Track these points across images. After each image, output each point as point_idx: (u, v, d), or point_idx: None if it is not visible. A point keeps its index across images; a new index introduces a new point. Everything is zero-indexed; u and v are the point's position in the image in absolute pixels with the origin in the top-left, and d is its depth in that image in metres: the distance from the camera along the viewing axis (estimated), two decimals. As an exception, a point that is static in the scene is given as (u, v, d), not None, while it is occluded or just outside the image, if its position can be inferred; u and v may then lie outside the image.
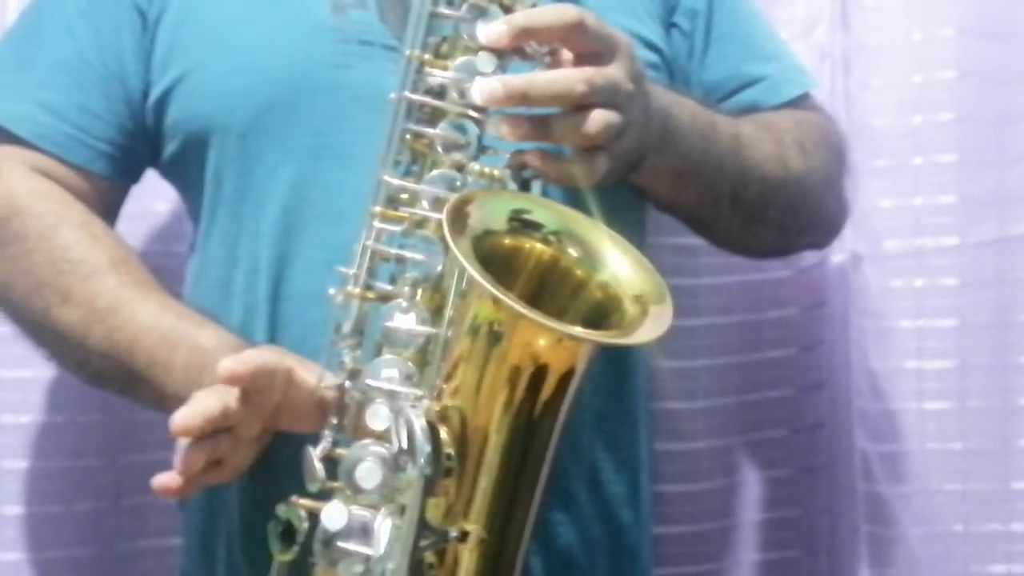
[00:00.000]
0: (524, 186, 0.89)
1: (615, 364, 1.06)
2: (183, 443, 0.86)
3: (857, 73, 1.37)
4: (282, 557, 0.88)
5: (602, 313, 0.88)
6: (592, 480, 1.05)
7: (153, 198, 1.25)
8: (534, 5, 0.90)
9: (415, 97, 0.89)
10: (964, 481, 1.34)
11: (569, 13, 0.87)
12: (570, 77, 0.87)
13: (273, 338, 1.01)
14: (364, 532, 0.84)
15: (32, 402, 1.29)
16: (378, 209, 0.90)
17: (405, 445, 0.81)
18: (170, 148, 1.06)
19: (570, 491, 1.02)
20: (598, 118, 0.87)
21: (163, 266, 1.13)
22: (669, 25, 1.14)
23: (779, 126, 1.12)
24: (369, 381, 0.86)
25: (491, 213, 0.88)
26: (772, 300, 1.41)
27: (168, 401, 0.94)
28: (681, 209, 1.10)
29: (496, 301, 0.81)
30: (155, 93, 1.05)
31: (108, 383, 1.02)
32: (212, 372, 0.90)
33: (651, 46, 1.10)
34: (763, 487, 1.42)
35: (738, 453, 1.40)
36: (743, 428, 1.40)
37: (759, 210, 1.09)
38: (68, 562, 1.29)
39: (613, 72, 0.89)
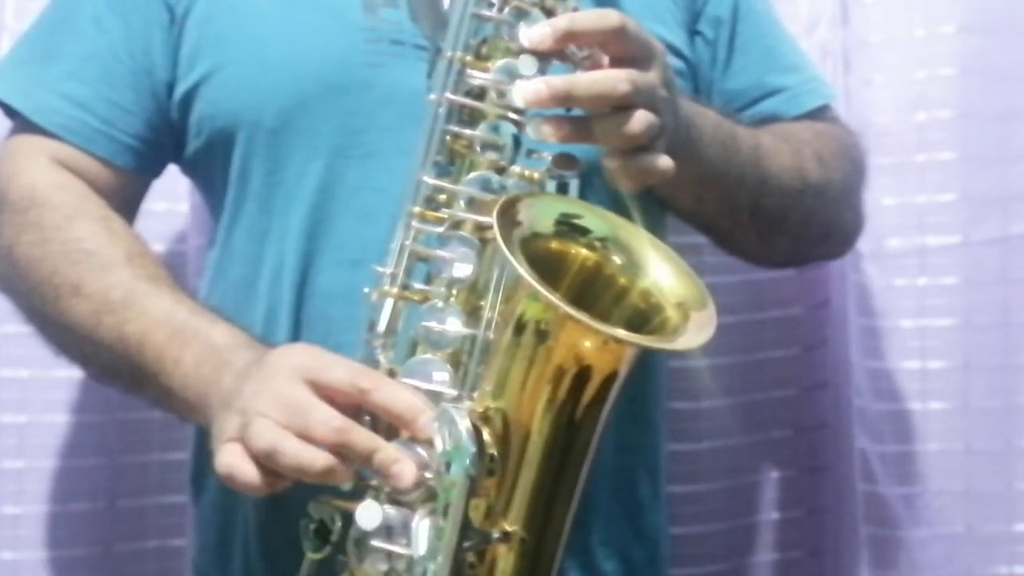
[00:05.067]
0: (562, 188, 0.89)
1: (637, 369, 1.05)
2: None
3: (859, 70, 1.37)
4: (315, 556, 0.87)
5: (644, 320, 0.88)
6: (615, 484, 1.05)
7: (151, 199, 1.25)
8: (575, 9, 0.90)
9: (455, 98, 0.89)
10: (967, 482, 1.33)
11: (612, 18, 0.88)
12: (614, 77, 0.87)
13: (296, 335, 1.00)
14: (399, 531, 0.83)
15: (30, 402, 1.29)
16: (417, 209, 0.89)
17: (449, 446, 0.81)
18: (195, 143, 1.05)
19: (594, 495, 1.00)
20: (641, 118, 0.87)
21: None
22: (693, 32, 1.14)
23: (798, 137, 1.12)
24: (406, 380, 0.86)
25: (539, 215, 0.88)
26: (775, 299, 1.40)
27: (173, 400, 0.94)
28: (700, 218, 1.10)
29: (546, 303, 0.81)
30: (182, 88, 1.04)
31: (116, 379, 1.00)
32: (223, 369, 0.89)
33: (677, 53, 1.10)
34: (767, 488, 1.41)
35: (742, 454, 1.40)
36: (747, 428, 1.39)
37: (777, 221, 1.09)
38: (65, 562, 1.29)
39: (652, 75, 0.89)
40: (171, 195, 1.25)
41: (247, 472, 0.83)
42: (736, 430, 1.38)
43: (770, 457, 1.40)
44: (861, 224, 1.20)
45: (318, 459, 0.81)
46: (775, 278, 1.38)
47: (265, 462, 0.82)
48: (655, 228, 1.02)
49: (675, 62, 1.08)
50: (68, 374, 1.25)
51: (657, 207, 1.07)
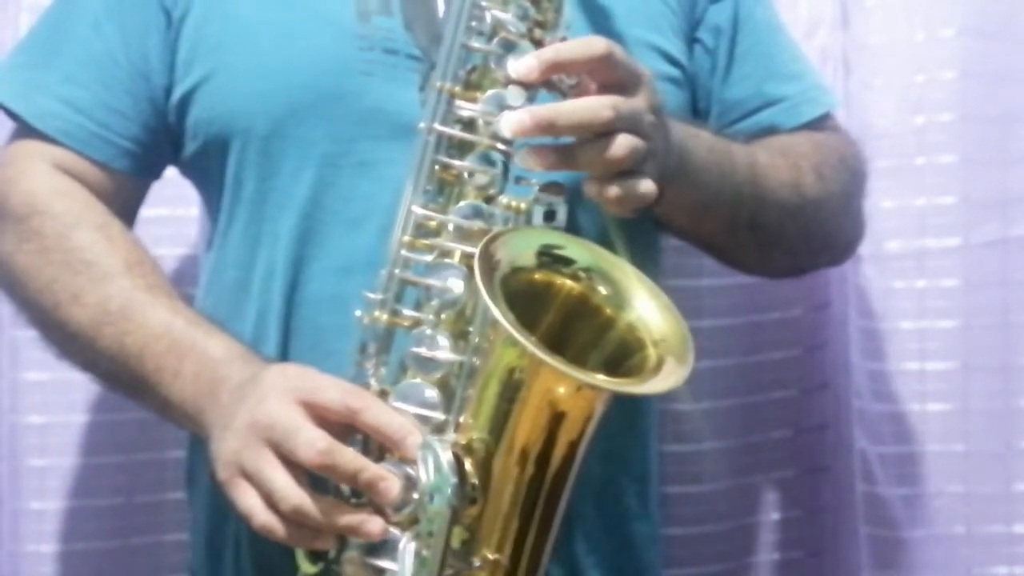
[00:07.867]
0: (549, 216, 0.90)
1: None
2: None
3: (859, 73, 1.37)
4: (309, 570, 0.89)
5: (626, 353, 0.89)
6: (601, 494, 1.06)
7: (161, 204, 1.28)
8: (564, 38, 0.91)
9: (444, 130, 0.91)
10: (966, 483, 1.33)
11: (598, 45, 0.89)
12: (596, 104, 0.88)
13: (286, 341, 1.02)
14: (391, 551, 0.86)
15: (52, 403, 1.33)
16: (407, 239, 0.91)
17: (432, 478, 0.83)
18: (191, 147, 1.06)
19: (578, 505, 1.00)
20: (623, 142, 0.88)
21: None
22: (692, 40, 1.14)
23: (796, 151, 1.12)
24: (396, 404, 0.88)
25: (521, 248, 0.89)
26: (775, 301, 1.41)
27: (172, 410, 0.96)
28: (698, 237, 1.10)
29: (520, 348, 0.82)
30: (178, 92, 1.05)
31: (117, 385, 1.03)
32: (220, 384, 0.92)
33: (673, 61, 1.10)
34: (767, 488, 1.42)
35: (742, 455, 1.41)
36: (747, 430, 1.41)
37: (775, 237, 1.10)
38: (86, 554, 1.34)
39: (637, 101, 0.90)
40: (181, 200, 1.28)
41: (273, 523, 0.86)
42: (736, 431, 1.39)
43: (770, 458, 1.41)
44: (861, 232, 1.20)
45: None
46: (775, 281, 1.39)
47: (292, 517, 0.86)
48: (647, 247, 1.04)
49: (671, 70, 1.09)
50: (86, 376, 1.29)
51: (651, 225, 1.08)
